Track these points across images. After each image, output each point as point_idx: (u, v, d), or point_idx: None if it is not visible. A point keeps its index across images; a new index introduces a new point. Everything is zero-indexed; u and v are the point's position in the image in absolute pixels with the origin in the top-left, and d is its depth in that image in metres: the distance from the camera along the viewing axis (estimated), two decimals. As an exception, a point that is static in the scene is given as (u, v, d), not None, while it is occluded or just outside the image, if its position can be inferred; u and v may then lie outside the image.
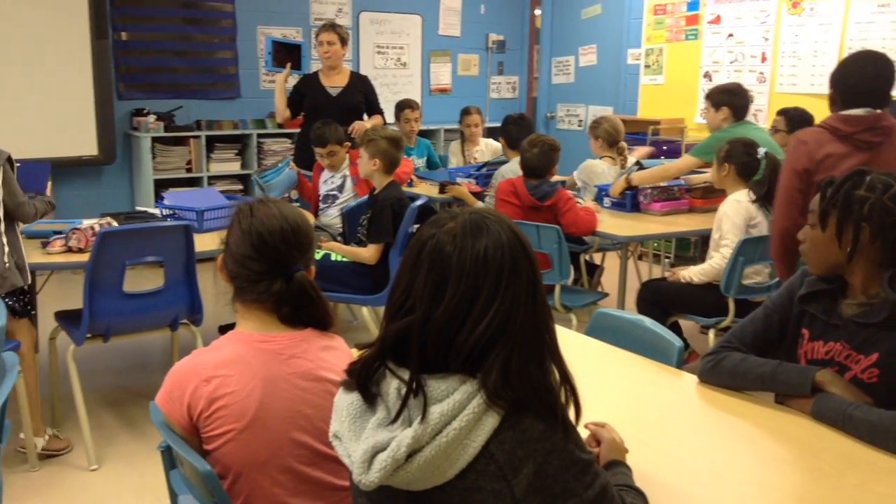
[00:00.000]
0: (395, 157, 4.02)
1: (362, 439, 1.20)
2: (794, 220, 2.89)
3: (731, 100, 4.36)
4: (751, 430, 1.82)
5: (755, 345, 2.04)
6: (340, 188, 4.60)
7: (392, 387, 1.21)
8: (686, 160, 4.48)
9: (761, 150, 3.77)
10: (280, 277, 1.67)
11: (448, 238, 1.22)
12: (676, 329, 3.96)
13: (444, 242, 1.21)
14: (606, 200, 4.70)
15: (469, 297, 1.19)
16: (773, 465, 1.66)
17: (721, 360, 2.00)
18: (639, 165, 4.77)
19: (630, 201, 4.56)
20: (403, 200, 3.97)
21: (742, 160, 3.76)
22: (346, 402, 1.26)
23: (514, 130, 5.09)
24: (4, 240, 3.09)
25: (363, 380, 1.24)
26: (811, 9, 5.82)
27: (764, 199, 3.67)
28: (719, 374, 2.00)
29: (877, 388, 1.83)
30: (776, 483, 1.58)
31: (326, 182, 4.63)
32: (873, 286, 1.89)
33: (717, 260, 3.71)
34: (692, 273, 3.78)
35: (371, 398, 1.24)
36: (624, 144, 5.11)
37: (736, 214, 3.70)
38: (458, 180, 5.22)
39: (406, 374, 1.20)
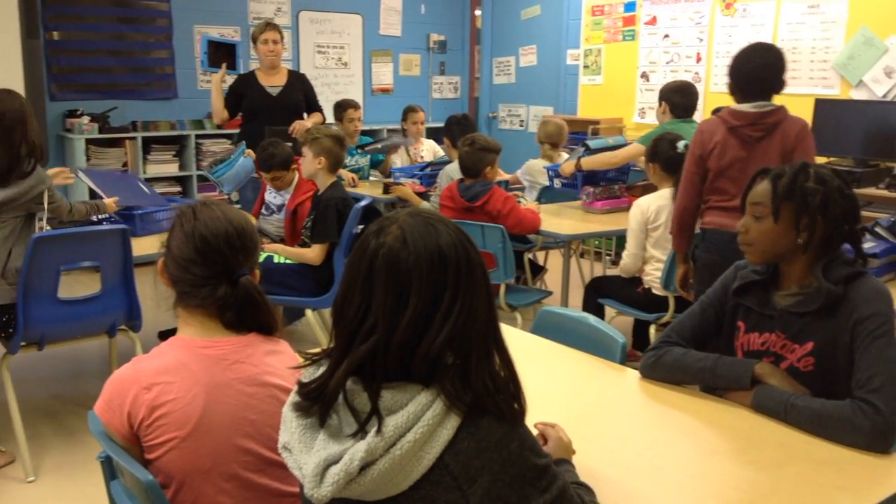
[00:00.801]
0: (339, 156, 3.99)
1: (313, 452, 1.18)
2: (692, 200, 3.33)
3: (671, 97, 4.42)
4: (692, 423, 1.86)
5: (694, 339, 2.09)
6: (279, 208, 4.49)
7: (343, 398, 1.18)
8: (634, 147, 4.53)
9: (681, 144, 3.81)
10: (225, 282, 1.64)
11: (399, 244, 1.18)
12: (645, 332, 3.99)
13: (396, 250, 1.17)
14: (557, 182, 4.81)
15: (432, 301, 1.16)
16: (715, 457, 1.69)
17: (662, 356, 2.04)
18: (585, 147, 4.79)
19: (581, 182, 4.67)
20: (348, 200, 3.94)
21: (665, 157, 3.83)
22: (295, 413, 1.24)
23: (457, 131, 5.11)
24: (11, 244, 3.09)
25: (327, 405, 1.19)
26: (744, 10, 5.96)
27: None
28: (661, 370, 2.04)
29: (813, 377, 1.89)
30: (718, 475, 1.62)
31: (270, 192, 4.54)
32: (808, 276, 1.94)
33: (621, 262, 3.94)
34: (617, 268, 4.07)
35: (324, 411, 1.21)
36: (559, 151, 5.26)
37: (633, 219, 3.83)
38: (402, 181, 5.21)
39: (360, 386, 1.17)
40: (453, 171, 4.64)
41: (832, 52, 5.46)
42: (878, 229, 3.17)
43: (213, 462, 1.56)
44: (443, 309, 1.16)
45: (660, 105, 4.49)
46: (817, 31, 5.52)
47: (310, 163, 3.94)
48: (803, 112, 3.39)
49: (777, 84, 3.16)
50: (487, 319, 1.21)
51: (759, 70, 3.14)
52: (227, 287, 1.64)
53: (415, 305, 1.15)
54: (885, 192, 4.75)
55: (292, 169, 4.37)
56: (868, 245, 3.01)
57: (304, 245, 4.01)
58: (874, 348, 1.77)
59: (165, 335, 4.11)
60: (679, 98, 4.41)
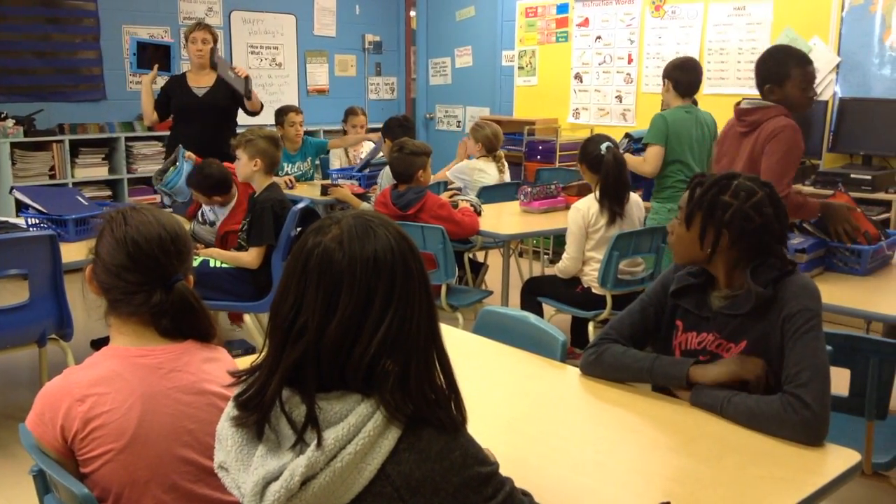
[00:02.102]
0: (275, 157, 3.93)
1: (251, 470, 1.16)
2: None
3: (674, 74, 4.26)
4: (633, 419, 1.88)
5: (633, 336, 2.11)
6: (211, 223, 4.39)
7: (280, 410, 1.16)
8: (650, 151, 4.18)
9: (603, 147, 3.78)
10: (159, 288, 1.59)
11: (335, 245, 1.17)
12: (584, 330, 4.02)
13: (331, 250, 1.16)
14: None
15: (363, 305, 1.15)
16: (656, 452, 1.72)
17: (602, 354, 2.06)
18: (629, 137, 4.57)
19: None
20: (284, 202, 3.89)
21: (591, 157, 3.83)
22: (230, 430, 1.21)
23: (399, 133, 5.09)
24: None
25: (264, 413, 1.17)
26: (673, 12, 6.08)
27: (611, 200, 3.75)
28: (601, 367, 2.06)
29: (747, 374, 1.93)
30: (659, 469, 1.64)
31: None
32: (736, 280, 1.99)
33: (559, 264, 3.97)
34: (555, 267, 4.09)
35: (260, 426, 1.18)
36: (501, 153, 5.28)
37: (573, 223, 3.85)
38: (340, 182, 5.17)
39: (297, 398, 1.15)
40: (393, 172, 4.62)
41: (758, 52, 5.50)
42: (805, 225, 3.26)
43: (151, 473, 1.53)
44: (374, 314, 1.15)
45: (664, 83, 4.32)
46: (743, 33, 5.67)
47: (245, 165, 3.87)
48: (730, 112, 3.46)
49: (763, 82, 3.29)
50: (427, 328, 1.19)
51: (761, 68, 3.33)
52: (161, 293, 1.59)
53: (344, 307, 1.14)
54: (810, 189, 4.89)
55: (231, 193, 4.27)
56: (796, 241, 3.10)
57: (240, 248, 3.95)
58: (802, 343, 1.82)
59: (98, 344, 4.01)
60: (681, 74, 4.23)
